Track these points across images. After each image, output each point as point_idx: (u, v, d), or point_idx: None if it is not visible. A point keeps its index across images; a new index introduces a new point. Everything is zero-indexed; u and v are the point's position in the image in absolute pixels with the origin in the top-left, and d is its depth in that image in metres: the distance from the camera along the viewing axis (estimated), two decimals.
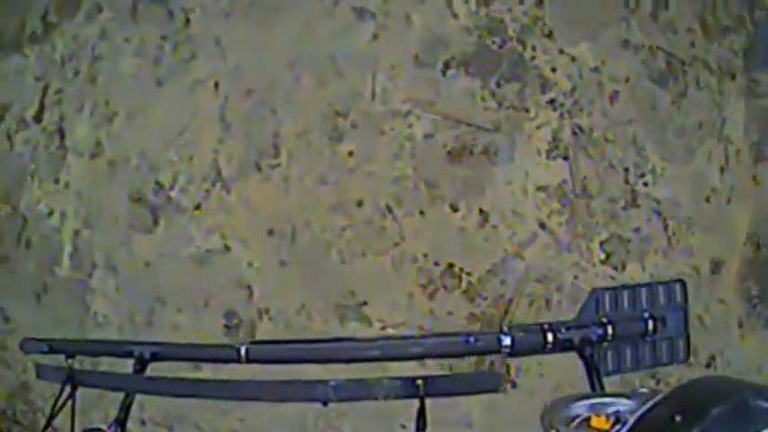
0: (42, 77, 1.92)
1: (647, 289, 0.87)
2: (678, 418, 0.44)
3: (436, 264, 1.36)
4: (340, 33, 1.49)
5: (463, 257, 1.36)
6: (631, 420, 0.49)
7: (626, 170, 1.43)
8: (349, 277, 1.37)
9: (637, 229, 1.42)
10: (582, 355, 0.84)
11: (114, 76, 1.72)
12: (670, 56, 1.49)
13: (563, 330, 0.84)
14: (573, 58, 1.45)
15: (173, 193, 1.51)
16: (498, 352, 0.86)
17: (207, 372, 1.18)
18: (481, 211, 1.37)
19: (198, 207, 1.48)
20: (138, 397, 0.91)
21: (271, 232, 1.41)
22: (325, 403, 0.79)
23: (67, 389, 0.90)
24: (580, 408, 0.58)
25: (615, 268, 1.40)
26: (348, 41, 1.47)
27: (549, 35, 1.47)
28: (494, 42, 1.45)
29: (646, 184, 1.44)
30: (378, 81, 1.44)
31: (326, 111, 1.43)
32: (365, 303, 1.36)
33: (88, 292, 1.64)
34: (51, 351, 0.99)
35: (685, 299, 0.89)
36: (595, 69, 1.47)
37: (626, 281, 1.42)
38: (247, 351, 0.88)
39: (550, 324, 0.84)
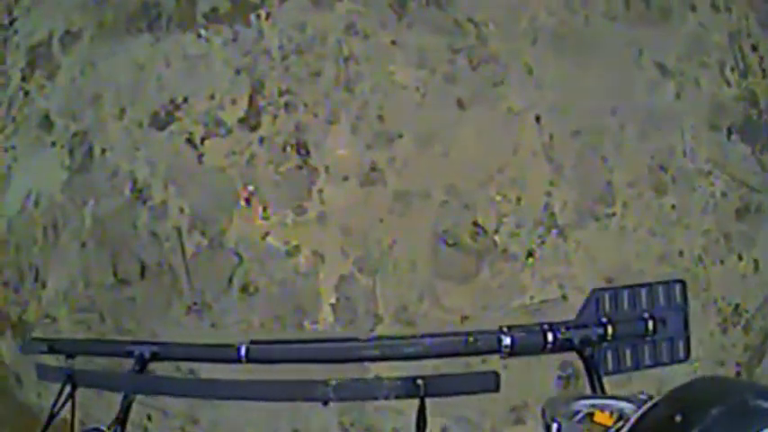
0: (246, 70, 1.23)
1: (647, 289, 0.76)
2: (678, 418, 0.39)
3: (728, 305, 1.26)
4: (650, 86, 1.25)
5: (744, 298, 1.30)
6: (632, 420, 0.43)
7: None
8: None
9: None
10: (582, 355, 0.73)
11: (385, 85, 1.16)
12: None
13: (563, 330, 0.72)
14: None
15: (498, 238, 1.09)
16: (498, 351, 0.72)
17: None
18: (755, 260, 1.32)
19: (531, 254, 1.10)
20: None
21: (609, 281, 1.13)
22: (325, 403, 0.70)
23: (67, 389, 0.79)
24: (581, 405, 0.52)
25: None
26: (658, 96, 1.25)
27: None
28: (754, 113, 1.38)
29: None
30: (686, 139, 1.25)
31: (651, 164, 1.21)
32: None
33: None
34: (51, 351, 0.85)
35: (685, 299, 0.77)
36: None
37: None
38: (247, 351, 0.75)
39: (551, 324, 0.72)
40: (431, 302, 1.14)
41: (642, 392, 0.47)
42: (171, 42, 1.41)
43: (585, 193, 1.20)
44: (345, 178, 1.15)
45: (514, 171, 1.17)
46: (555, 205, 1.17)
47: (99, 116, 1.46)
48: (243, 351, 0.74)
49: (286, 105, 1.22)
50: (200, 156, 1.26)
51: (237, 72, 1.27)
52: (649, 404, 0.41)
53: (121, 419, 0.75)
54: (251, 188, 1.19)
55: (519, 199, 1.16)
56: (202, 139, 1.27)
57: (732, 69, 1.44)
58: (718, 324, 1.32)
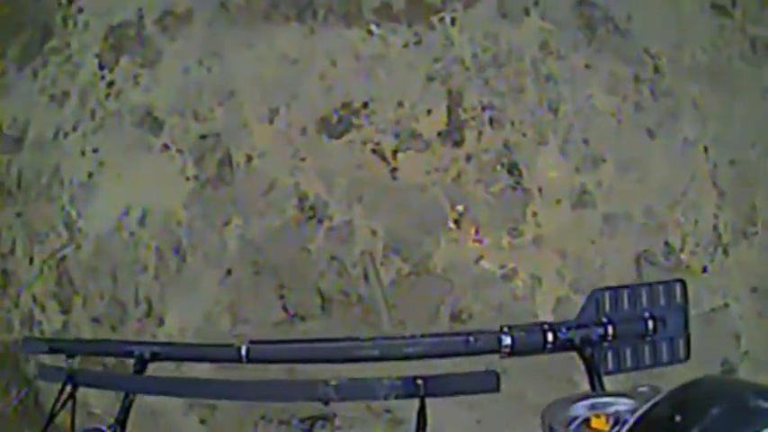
0: (440, 78, 1.15)
1: (648, 289, 0.76)
2: (678, 418, 0.39)
3: None
4: None
5: None
6: (631, 420, 0.43)
7: None
8: None
9: None
10: (582, 355, 0.72)
11: (586, 108, 1.18)
12: None
13: (563, 330, 0.72)
14: None
15: (683, 256, 1.21)
16: (498, 352, 0.72)
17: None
18: None
19: (704, 270, 1.24)
20: None
21: (754, 290, 1.35)
22: (326, 403, 0.71)
23: (68, 389, 0.80)
24: (580, 408, 0.52)
25: None
26: None
27: None
28: None
29: None
30: None
31: None
32: None
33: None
34: (52, 351, 0.87)
35: (685, 299, 0.77)
36: None
37: None
38: (248, 351, 0.77)
39: (551, 324, 0.72)
40: None
41: (643, 386, 0.50)
42: (332, 37, 1.23)
43: (739, 214, 1.41)
44: (558, 201, 1.15)
45: (693, 195, 1.31)
46: (720, 226, 1.36)
47: (238, 116, 1.22)
48: (243, 351, 0.73)
49: (491, 121, 1.19)
50: (394, 170, 1.14)
51: (429, 79, 1.19)
52: (648, 404, 0.41)
53: (121, 419, 0.74)
54: (460, 208, 1.13)
55: (696, 221, 1.31)
56: (394, 152, 1.15)
57: None
58: None
